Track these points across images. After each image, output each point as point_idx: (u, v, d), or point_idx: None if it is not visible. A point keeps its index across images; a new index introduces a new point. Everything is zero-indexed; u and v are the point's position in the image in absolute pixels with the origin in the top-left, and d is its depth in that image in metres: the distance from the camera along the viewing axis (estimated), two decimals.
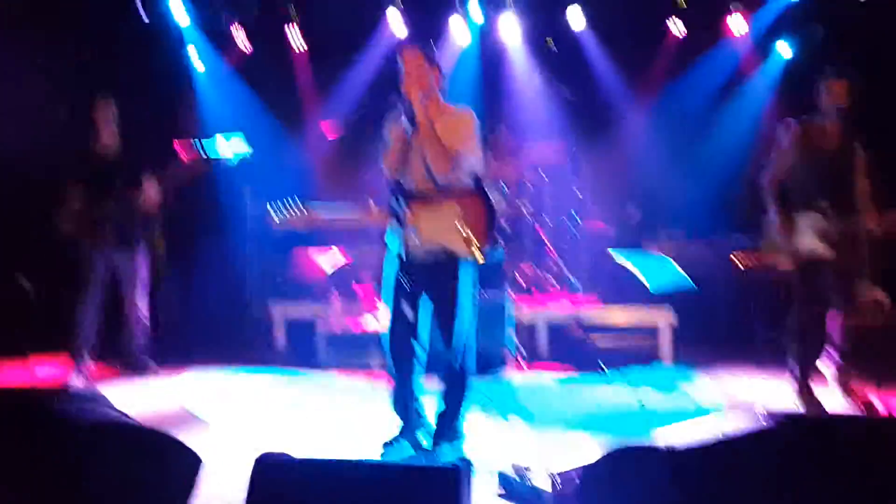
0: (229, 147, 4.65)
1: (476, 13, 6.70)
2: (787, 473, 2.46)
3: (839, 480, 2.43)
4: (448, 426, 3.42)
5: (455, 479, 2.21)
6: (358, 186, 6.43)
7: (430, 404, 3.53)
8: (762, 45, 7.04)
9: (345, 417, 4.08)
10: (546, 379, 4.91)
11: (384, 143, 3.37)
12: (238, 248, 6.08)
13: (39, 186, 4.85)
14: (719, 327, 5.81)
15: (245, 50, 6.99)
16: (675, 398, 4.41)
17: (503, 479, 3.00)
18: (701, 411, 3.99)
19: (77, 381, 4.62)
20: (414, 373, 3.38)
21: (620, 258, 5.60)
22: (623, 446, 2.55)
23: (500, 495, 2.98)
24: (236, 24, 6.70)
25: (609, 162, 7.02)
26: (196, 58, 6.91)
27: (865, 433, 2.61)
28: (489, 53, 7.24)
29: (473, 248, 3.23)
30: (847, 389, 4.09)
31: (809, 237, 4.00)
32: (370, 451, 3.37)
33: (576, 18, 6.73)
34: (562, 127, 6.74)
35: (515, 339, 5.18)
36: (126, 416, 2.61)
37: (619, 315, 5.44)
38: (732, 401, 4.28)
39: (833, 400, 4.10)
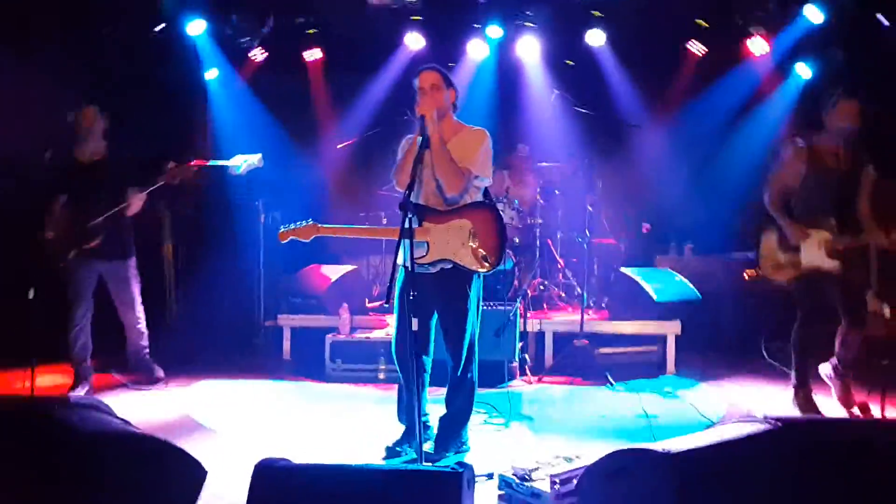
0: (240, 159, 4.69)
1: (495, 31, 6.78)
2: (785, 477, 2.49)
3: (836, 484, 2.45)
4: (452, 434, 3.49)
5: (456, 482, 2.23)
6: (370, 202, 6.56)
7: (436, 413, 3.60)
8: (782, 66, 7.07)
9: (350, 426, 4.13)
10: (552, 390, 4.94)
11: (396, 158, 3.48)
12: (250, 260, 6.16)
13: (40, 190, 4.74)
14: (725, 339, 5.81)
15: (259, 62, 7.07)
16: (679, 407, 4.42)
17: (504, 482, 3.04)
18: (704, 421, 4.00)
19: (79, 390, 4.62)
20: (420, 382, 3.44)
21: (630, 273, 5.65)
22: (620, 450, 2.60)
23: (500, 498, 3.02)
24: (254, 41, 6.81)
25: (623, 178, 7.06)
26: (210, 72, 7.04)
27: (863, 438, 2.63)
28: (506, 69, 7.33)
29: (482, 263, 3.32)
30: (847, 397, 4.11)
31: (815, 252, 4.03)
32: (374, 457, 3.42)
33: (595, 37, 6.79)
34: (577, 144, 6.80)
35: (523, 352, 5.23)
36: (128, 424, 2.63)
37: (627, 327, 5.46)
38: (734, 409, 4.29)
39: (832, 407, 4.11)
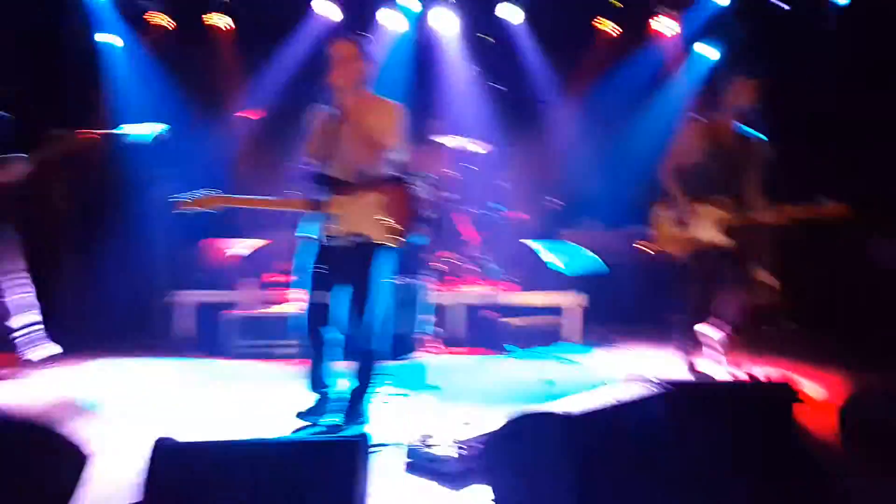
0: (142, 127, 4.44)
1: (411, 3, 6.70)
2: (674, 435, 2.62)
3: (722, 441, 2.61)
4: (360, 405, 3.48)
5: (353, 450, 2.25)
6: (278, 175, 6.40)
7: (346, 386, 3.58)
8: (689, 46, 7.36)
9: (256, 402, 4.03)
10: (460, 360, 5.02)
11: (307, 131, 3.39)
12: (148, 234, 5.88)
13: None
14: (627, 310, 6.06)
15: (166, 28, 6.76)
16: (578, 373, 4.59)
17: (410, 451, 3.07)
18: (599, 383, 4.16)
19: None
20: (330, 355, 3.42)
21: (536, 245, 5.79)
22: (522, 413, 2.67)
23: (407, 465, 3.06)
24: (158, 6, 6.48)
25: (534, 154, 7.19)
26: (111, 37, 6.67)
27: (746, 399, 2.81)
28: (424, 43, 7.28)
29: (394, 237, 3.31)
30: (730, 361, 4.38)
31: (708, 227, 4.23)
32: (284, 430, 3.36)
33: (512, 13, 6.82)
34: (490, 119, 6.85)
35: (432, 324, 5.27)
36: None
37: (534, 299, 5.61)
38: (629, 373, 4.47)
39: (719, 371, 4.37)
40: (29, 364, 4.58)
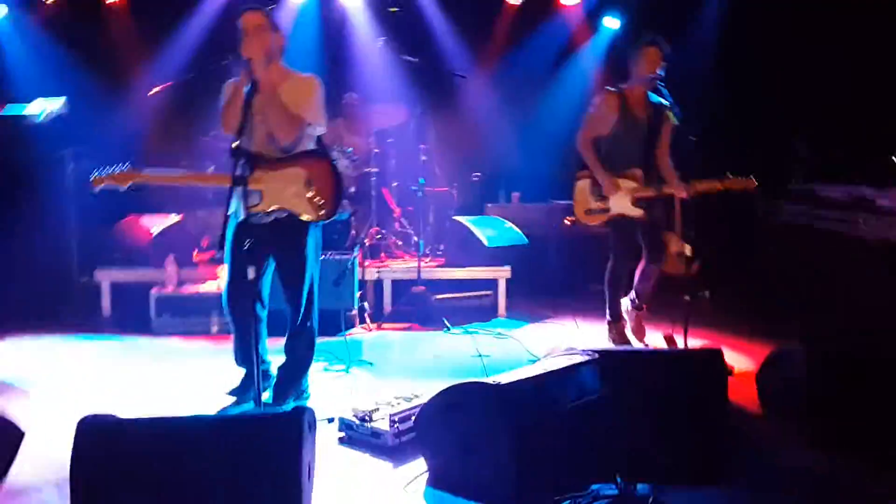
0: (38, 105, 4.16)
1: None
2: (604, 402, 2.74)
3: (651, 408, 2.74)
4: (292, 382, 3.48)
5: (296, 424, 2.24)
6: (192, 150, 6.17)
7: (275, 363, 3.55)
8: (591, 17, 7.53)
9: (181, 379, 3.97)
10: (391, 336, 5.04)
11: (223, 104, 3.29)
12: (59, 214, 5.58)
13: None
14: (551, 282, 6.22)
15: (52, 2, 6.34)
16: (509, 346, 4.70)
17: (344, 424, 3.10)
18: (531, 358, 4.28)
19: None
20: (255, 330, 3.37)
21: (462, 220, 5.84)
22: (453, 386, 2.73)
23: (341, 440, 3.07)
24: None
25: (453, 127, 7.21)
26: None
27: (676, 366, 2.95)
28: (329, 15, 7.14)
29: (318, 211, 3.27)
30: (641, 329, 4.60)
31: (622, 200, 4.38)
32: (210, 408, 3.32)
33: None
34: (408, 92, 6.81)
35: (362, 300, 5.26)
36: None
37: (461, 273, 5.67)
38: (559, 346, 4.63)
39: (638, 342, 4.58)
40: None
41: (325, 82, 3.41)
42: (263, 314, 3.45)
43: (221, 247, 3.03)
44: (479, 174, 7.04)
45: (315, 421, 2.44)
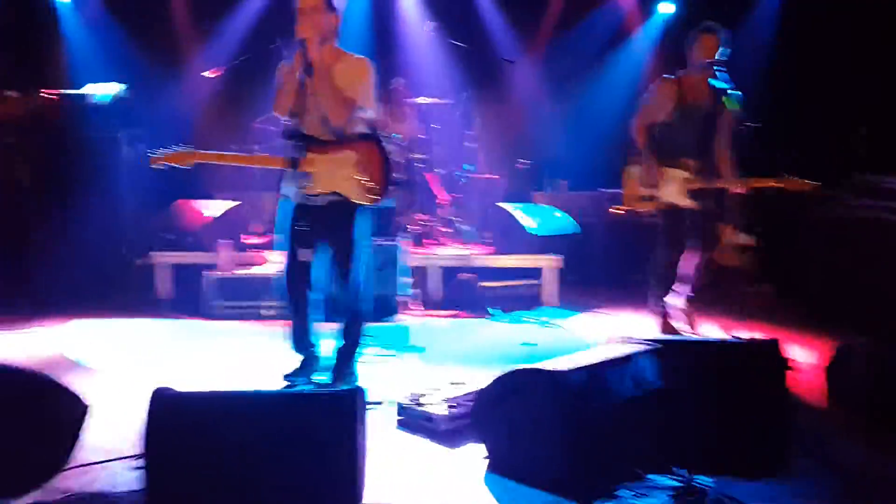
0: (101, 88, 4.25)
1: None
2: (656, 390, 2.71)
3: (699, 397, 2.70)
4: (345, 365, 3.50)
5: (348, 402, 2.29)
6: (243, 135, 6.26)
7: (329, 346, 3.58)
8: (646, 1, 7.38)
9: (240, 360, 4.05)
10: (439, 323, 5.05)
11: (276, 86, 3.29)
12: (114, 196, 5.72)
13: None
14: (600, 271, 6.17)
15: None
16: (558, 335, 4.67)
17: (401, 407, 3.11)
18: (582, 346, 4.24)
19: None
20: (310, 315, 3.41)
21: (510, 207, 5.81)
22: (512, 371, 2.72)
23: (398, 423, 3.10)
24: None
25: (500, 114, 7.18)
26: None
27: (734, 358, 2.89)
28: (379, 1, 7.14)
29: (370, 195, 3.27)
30: (692, 320, 4.50)
31: (673, 189, 4.29)
32: (270, 387, 3.38)
33: None
34: (455, 78, 6.79)
35: (409, 286, 5.29)
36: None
37: (509, 261, 5.65)
38: (609, 336, 4.57)
39: (689, 333, 4.50)
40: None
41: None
42: (320, 298, 3.46)
43: (277, 231, 3.07)
44: (526, 161, 6.99)
45: (371, 403, 2.47)
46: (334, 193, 3.27)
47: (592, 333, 4.62)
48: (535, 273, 5.67)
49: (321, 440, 2.23)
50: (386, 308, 4.90)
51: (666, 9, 7.34)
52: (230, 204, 5.73)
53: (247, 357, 4.11)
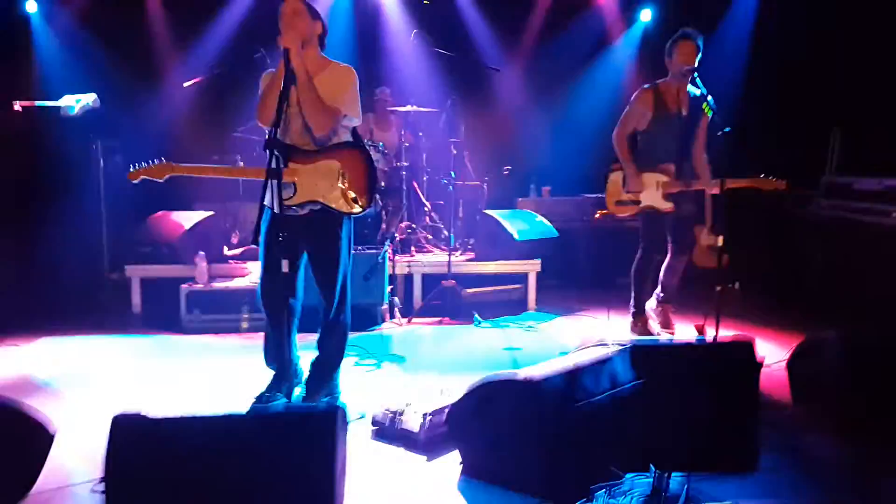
0: (72, 99, 4.21)
1: None
2: (631, 390, 2.70)
3: (674, 397, 2.70)
4: (323, 378, 3.46)
5: (330, 421, 2.22)
6: (223, 145, 6.22)
7: (306, 358, 3.55)
8: (626, 10, 7.43)
9: (213, 377, 3.98)
10: (422, 331, 5.04)
11: (259, 95, 3.26)
12: (89, 208, 5.61)
13: None
14: (582, 275, 6.18)
15: None
16: (539, 339, 4.68)
17: (376, 421, 3.10)
18: (563, 350, 4.24)
19: None
20: (288, 325, 3.38)
21: (493, 214, 5.81)
22: (485, 380, 2.71)
23: (373, 436, 3.08)
24: None
25: (484, 121, 7.19)
26: (29, 4, 6.36)
27: (706, 358, 2.89)
28: (363, 7, 7.15)
29: (352, 204, 3.26)
30: (668, 321, 4.54)
31: (653, 193, 4.36)
32: (241, 407, 3.34)
33: None
34: (439, 86, 6.80)
35: (392, 294, 5.27)
36: None
37: (491, 267, 5.65)
38: (589, 339, 4.58)
39: (665, 334, 4.53)
40: None
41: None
42: (297, 308, 3.44)
43: (255, 240, 3.04)
44: (510, 168, 7.00)
45: (347, 417, 2.43)
46: (317, 203, 3.25)
47: (573, 336, 4.62)
48: (518, 278, 5.68)
49: (298, 462, 2.16)
50: (368, 317, 4.88)
51: (645, 16, 7.40)
52: (202, 214, 5.61)
53: (223, 373, 4.03)
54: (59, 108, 4.17)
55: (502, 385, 2.67)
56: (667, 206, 4.37)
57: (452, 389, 3.14)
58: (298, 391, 3.43)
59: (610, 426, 2.60)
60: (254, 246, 3.25)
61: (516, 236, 5.56)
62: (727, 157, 4.01)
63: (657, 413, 2.66)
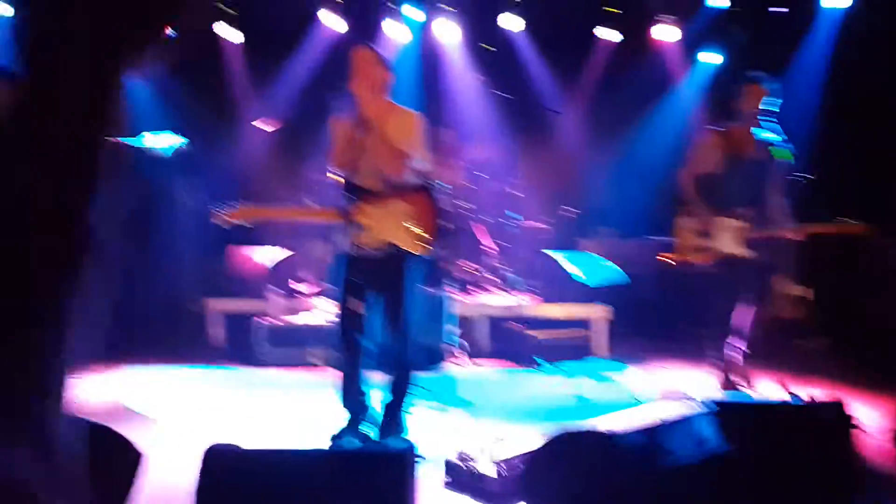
0: (160, 139, 4.42)
1: (415, 12, 6.74)
2: (717, 453, 2.61)
3: (764, 460, 2.60)
4: (394, 419, 3.48)
5: (402, 462, 2.27)
6: (297, 184, 6.39)
7: (377, 398, 3.57)
8: (689, 52, 7.39)
9: (289, 413, 4.06)
10: (486, 373, 5.01)
11: (331, 140, 3.38)
12: (170, 243, 5.88)
13: None
14: (650, 322, 6.05)
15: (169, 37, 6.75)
16: (610, 389, 4.57)
17: (449, 467, 3.06)
18: (635, 402, 4.15)
19: None
20: (362, 367, 3.41)
21: (557, 256, 5.77)
22: (564, 431, 2.66)
23: (446, 483, 3.04)
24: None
25: (546, 162, 7.20)
26: None
27: (797, 420, 2.79)
28: (428, 53, 7.31)
29: (422, 245, 3.30)
30: (745, 374, 4.36)
31: (727, 239, 4.23)
32: (318, 444, 3.37)
33: (512, 21, 6.87)
34: (500, 127, 6.86)
35: (457, 335, 5.26)
36: None
37: (557, 310, 5.59)
38: (664, 391, 4.47)
39: (750, 389, 4.36)
40: None
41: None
42: (370, 348, 3.47)
43: (330, 281, 3.12)
44: (572, 209, 6.97)
45: (420, 460, 2.45)
46: (387, 244, 3.31)
47: (645, 388, 4.51)
48: (581, 323, 5.60)
49: (370, 500, 2.21)
50: (432, 358, 4.87)
51: (710, 58, 7.32)
52: (284, 253, 5.83)
53: (297, 408, 4.12)
54: (143, 146, 4.37)
55: (582, 437, 2.61)
56: (745, 252, 4.22)
57: (523, 437, 3.10)
58: (370, 431, 3.43)
59: (695, 488, 2.51)
60: (327, 286, 3.31)
61: (582, 279, 5.49)
62: (805, 202, 3.92)
63: (745, 477, 2.56)
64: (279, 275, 5.63)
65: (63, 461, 1.93)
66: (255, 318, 5.22)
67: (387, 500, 2.21)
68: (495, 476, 2.92)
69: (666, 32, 6.85)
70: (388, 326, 3.42)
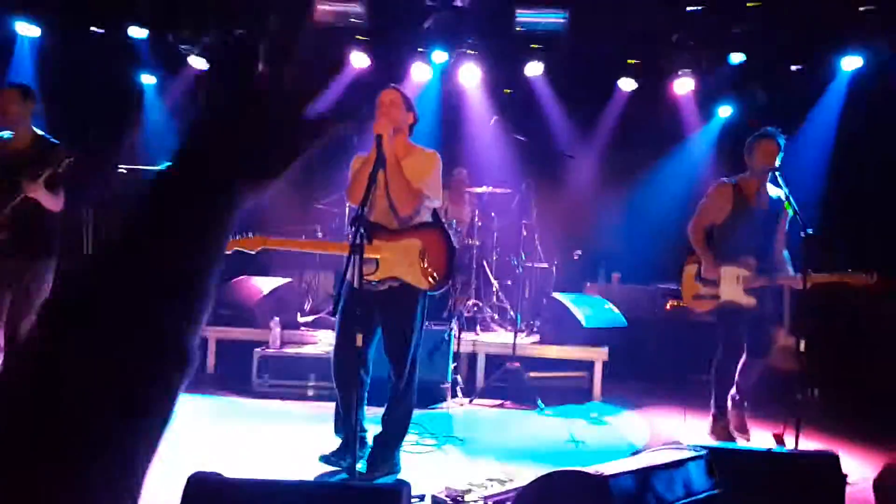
0: None
1: (439, 55, 6.89)
2: (706, 499, 2.58)
3: None
4: (385, 453, 3.47)
5: (395, 498, 2.22)
6: (305, 215, 6.48)
7: (372, 431, 3.57)
8: (706, 105, 7.49)
9: (280, 442, 4.03)
10: (483, 412, 4.97)
11: (350, 176, 3.48)
12: None
13: None
14: (649, 368, 6.01)
15: (199, 71, 6.97)
16: (605, 433, 4.53)
17: (437, 501, 3.04)
18: (630, 447, 4.10)
19: None
20: (358, 397, 3.42)
21: (561, 298, 5.78)
22: (554, 472, 2.64)
23: None
24: (195, 50, 6.68)
25: (557, 205, 7.26)
26: (147, 76, 6.92)
27: (790, 469, 2.76)
28: (448, 93, 7.44)
29: (430, 282, 3.34)
30: (743, 425, 4.32)
31: (733, 287, 4.24)
32: (306, 473, 3.36)
33: (533, 67, 7.00)
34: (514, 169, 6.94)
35: (455, 373, 5.25)
36: None
37: (556, 352, 5.57)
38: (659, 437, 4.43)
39: (743, 438, 4.31)
40: None
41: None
42: (367, 381, 3.48)
43: (334, 311, 3.14)
44: (580, 252, 7.00)
45: (415, 497, 2.42)
46: (396, 279, 3.36)
47: (641, 433, 4.46)
48: (580, 365, 5.57)
49: None
50: (430, 395, 4.86)
51: (724, 112, 7.42)
52: (280, 281, 5.83)
53: (287, 437, 4.09)
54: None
55: (571, 478, 2.59)
56: (748, 301, 4.22)
57: (514, 477, 3.08)
58: (359, 464, 3.41)
59: None
60: (329, 316, 3.35)
61: (583, 322, 5.49)
62: (810, 257, 3.92)
63: None
64: (279, 303, 5.63)
65: None
66: (256, 349, 5.17)
67: None
68: None
69: (685, 85, 6.96)
70: (389, 360, 3.44)
